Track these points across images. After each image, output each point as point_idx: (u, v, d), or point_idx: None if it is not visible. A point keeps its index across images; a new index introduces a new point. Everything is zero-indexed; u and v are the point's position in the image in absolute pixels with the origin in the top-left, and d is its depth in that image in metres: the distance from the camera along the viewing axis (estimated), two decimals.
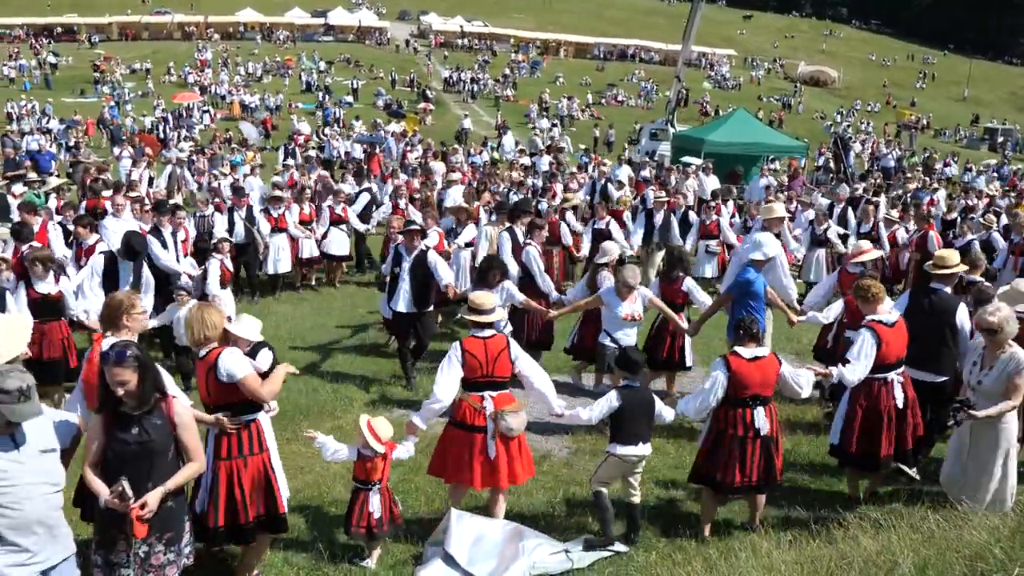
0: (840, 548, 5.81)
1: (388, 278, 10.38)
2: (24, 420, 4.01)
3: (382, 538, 6.00)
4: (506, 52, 71.28)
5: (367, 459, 5.89)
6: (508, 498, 7.07)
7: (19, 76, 52.11)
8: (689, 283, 9.28)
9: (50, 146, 28.94)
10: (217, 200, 15.84)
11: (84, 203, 14.16)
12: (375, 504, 5.88)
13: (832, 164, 29.74)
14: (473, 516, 6.10)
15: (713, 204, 15.56)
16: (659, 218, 14.91)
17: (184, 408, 4.54)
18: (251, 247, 13.97)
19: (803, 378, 6.39)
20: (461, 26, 75.58)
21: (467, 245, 12.60)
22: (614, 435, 6.25)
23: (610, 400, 6.19)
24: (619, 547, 6.22)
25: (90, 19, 68.45)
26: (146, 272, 9.83)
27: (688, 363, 9.51)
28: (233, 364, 5.17)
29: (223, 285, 10.21)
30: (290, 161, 23.96)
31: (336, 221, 15.08)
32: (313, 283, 15.44)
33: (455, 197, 16.72)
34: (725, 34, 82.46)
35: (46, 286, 8.56)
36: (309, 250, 14.88)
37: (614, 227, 13.74)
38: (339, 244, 15.22)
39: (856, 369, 6.60)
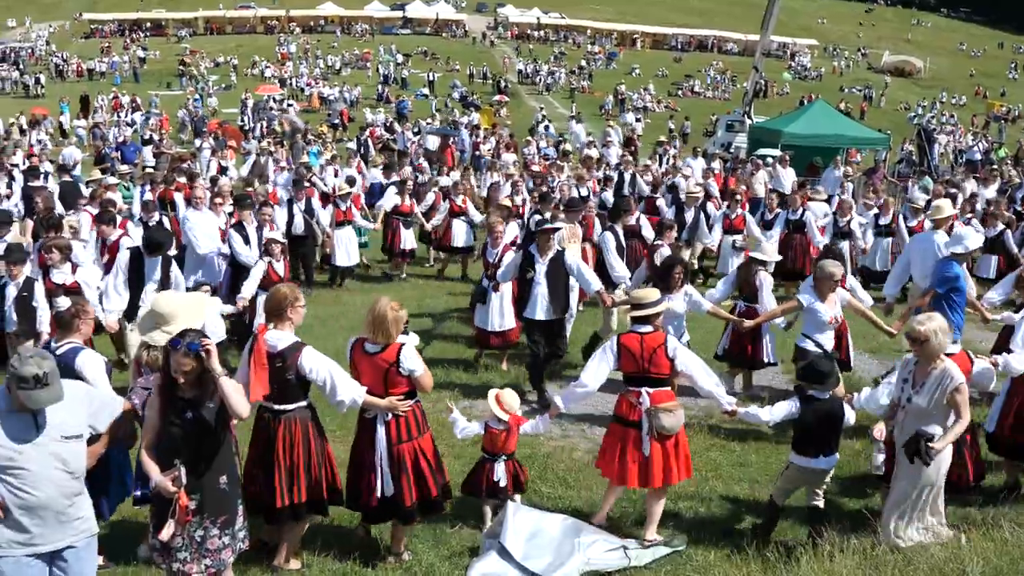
0: (907, 554, 5.67)
1: (506, 284, 9.80)
2: (42, 407, 4.05)
3: (505, 502, 6.25)
4: (582, 44, 70.96)
5: (494, 431, 6.23)
6: (567, 492, 7.09)
7: (109, 71, 53.79)
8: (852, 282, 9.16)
9: (138, 137, 29.77)
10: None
11: (150, 193, 14.44)
12: (500, 472, 6.26)
13: (915, 157, 28.91)
14: (531, 510, 6.11)
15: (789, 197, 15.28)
16: (690, 214, 14.52)
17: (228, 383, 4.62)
18: (309, 239, 14.16)
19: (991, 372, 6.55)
20: (538, 18, 75.49)
21: (511, 244, 12.13)
22: (795, 444, 6.13)
23: (791, 406, 6.11)
24: (679, 544, 6.15)
25: (178, 14, 70.33)
26: (174, 269, 9.40)
27: (770, 359, 9.44)
28: (414, 361, 5.61)
29: (265, 288, 9.41)
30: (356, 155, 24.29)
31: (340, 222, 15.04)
32: (403, 276, 15.53)
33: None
34: (805, 23, 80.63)
35: (62, 275, 8.47)
36: (408, 241, 15.19)
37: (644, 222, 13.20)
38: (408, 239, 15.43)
39: (1022, 358, 6.70)
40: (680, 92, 57.53)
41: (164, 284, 9.03)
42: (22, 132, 31.51)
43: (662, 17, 78.69)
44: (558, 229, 9.66)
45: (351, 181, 16.17)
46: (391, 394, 5.61)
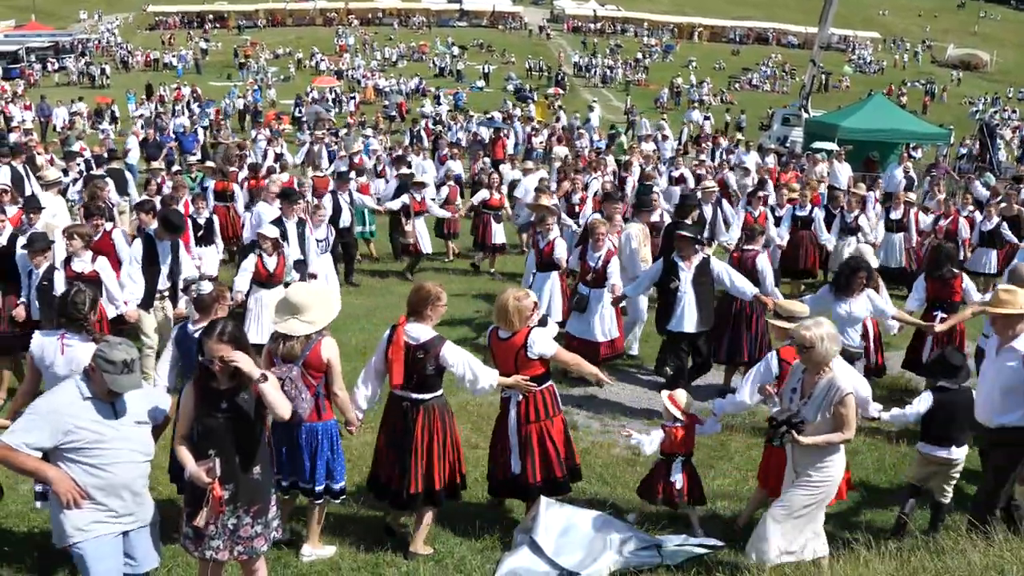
0: (946, 561, 5.55)
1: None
2: (124, 391, 4.31)
3: (684, 508, 6.36)
4: (638, 36, 70.44)
5: (670, 430, 6.28)
6: (603, 488, 7.09)
7: (175, 64, 54.65)
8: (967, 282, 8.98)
9: (193, 128, 30.30)
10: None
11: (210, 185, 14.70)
12: (676, 474, 6.25)
13: (977, 152, 28.22)
14: (563, 506, 6.09)
15: (839, 195, 14.97)
16: (707, 210, 13.75)
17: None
18: (352, 233, 14.37)
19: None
20: (594, 10, 75.09)
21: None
22: (923, 433, 6.36)
23: (926, 398, 6.29)
24: (713, 544, 6.11)
25: (239, 6, 71.41)
26: (183, 254, 9.45)
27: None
28: (543, 345, 5.94)
29: (265, 281, 9.46)
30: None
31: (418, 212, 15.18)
32: (493, 270, 15.43)
33: (528, 187, 16.27)
34: (867, 16, 78.99)
35: (82, 263, 8.51)
36: (499, 236, 15.27)
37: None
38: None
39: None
40: (737, 85, 56.83)
41: (174, 269, 9.19)
42: (93, 119, 32.37)
43: (720, 9, 77.71)
44: (699, 235, 9.07)
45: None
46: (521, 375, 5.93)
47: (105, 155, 18.02)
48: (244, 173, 15.94)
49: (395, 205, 14.86)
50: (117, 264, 9.22)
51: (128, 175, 15.60)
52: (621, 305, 9.70)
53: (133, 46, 59.38)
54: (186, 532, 4.62)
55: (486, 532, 6.23)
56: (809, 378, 5.39)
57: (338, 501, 5.85)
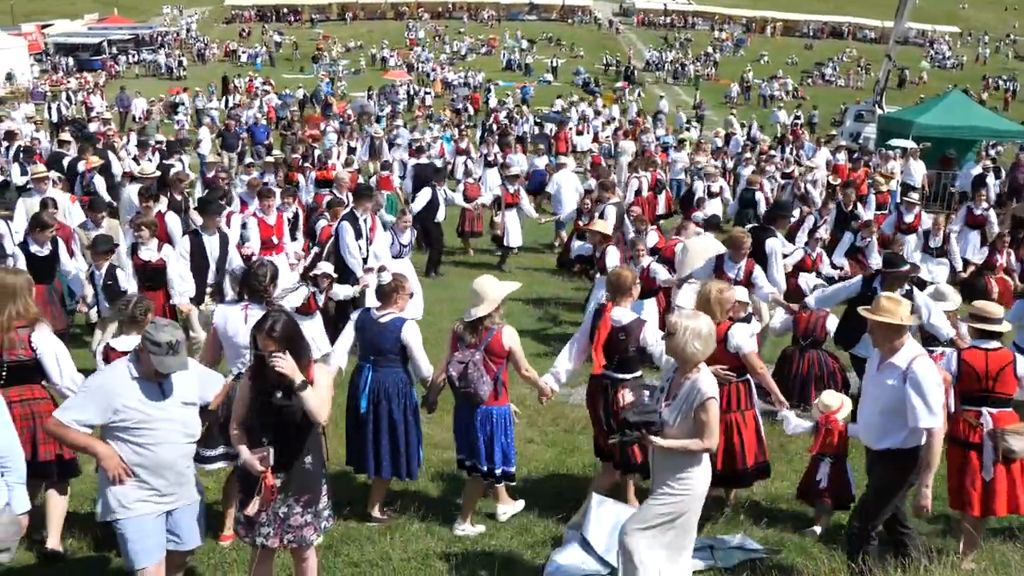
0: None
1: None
2: (170, 372, 4.43)
3: (825, 509, 6.43)
4: (710, 30, 69.56)
5: (819, 431, 6.33)
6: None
7: (250, 59, 55.58)
8: None
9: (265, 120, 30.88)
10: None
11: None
12: (822, 473, 6.34)
13: None
14: (615, 503, 6.05)
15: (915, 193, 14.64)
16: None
17: (323, 373, 4.78)
18: (440, 227, 14.48)
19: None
20: (664, 3, 74.33)
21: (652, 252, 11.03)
22: None
23: None
24: (768, 548, 6.04)
25: (313, 0, 72.38)
26: (232, 249, 9.55)
27: None
28: (741, 339, 6.20)
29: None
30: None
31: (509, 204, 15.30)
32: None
33: (560, 183, 16.33)
34: (947, 10, 76.69)
35: (149, 252, 8.71)
36: (515, 237, 15.31)
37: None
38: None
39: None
40: (810, 80, 55.75)
41: (221, 266, 9.30)
42: (171, 110, 33.20)
43: (793, 3, 76.25)
44: (910, 272, 8.61)
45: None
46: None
47: (176, 142, 18.49)
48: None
49: (487, 199, 15.13)
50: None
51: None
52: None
53: (209, 39, 60.68)
54: (238, 518, 4.73)
55: (536, 527, 6.26)
56: (677, 378, 4.95)
57: (512, 483, 6.24)
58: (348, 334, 6.37)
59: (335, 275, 9.81)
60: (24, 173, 14.61)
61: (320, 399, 4.56)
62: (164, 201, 11.28)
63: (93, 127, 25.24)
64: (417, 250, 13.52)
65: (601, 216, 12.20)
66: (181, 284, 8.88)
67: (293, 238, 11.92)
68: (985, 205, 14.15)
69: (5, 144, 17.75)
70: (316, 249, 11.13)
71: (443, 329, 6.79)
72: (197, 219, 10.11)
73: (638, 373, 6.16)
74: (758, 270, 8.99)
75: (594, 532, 5.76)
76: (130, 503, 4.43)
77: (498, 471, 5.96)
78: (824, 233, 13.28)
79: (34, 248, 8.77)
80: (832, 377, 8.80)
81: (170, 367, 4.38)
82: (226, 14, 70.82)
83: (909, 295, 7.90)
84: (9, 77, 44.06)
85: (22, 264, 8.44)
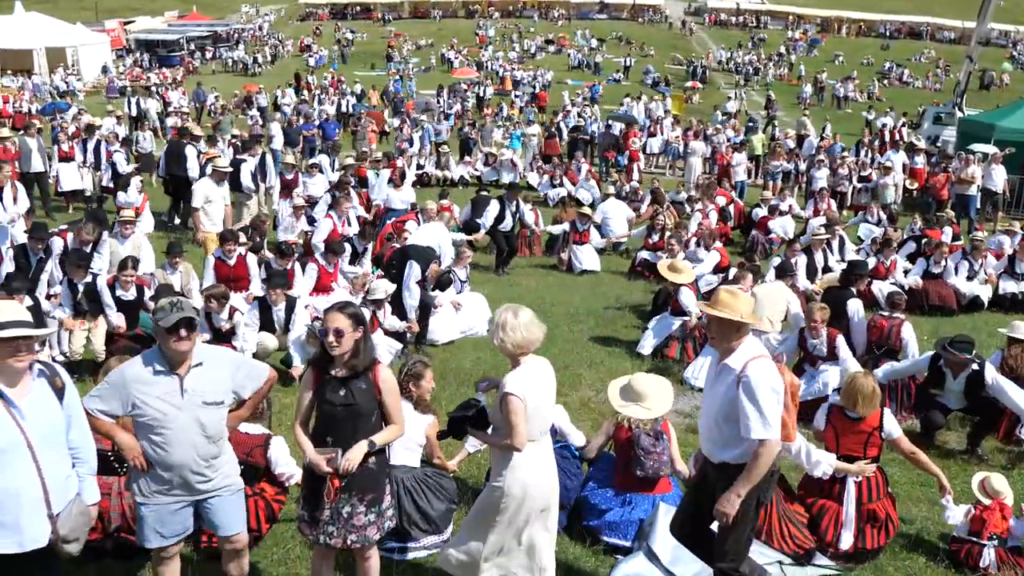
0: None
1: None
2: (184, 318, 4.36)
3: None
4: (784, 29, 68.49)
5: (979, 510, 6.15)
6: None
7: (324, 58, 56.29)
8: None
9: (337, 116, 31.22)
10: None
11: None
12: (989, 558, 5.97)
13: None
14: None
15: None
16: (817, 257, 12.88)
17: (389, 374, 4.72)
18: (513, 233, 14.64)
19: None
20: (737, 3, 73.40)
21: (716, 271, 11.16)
22: None
23: None
24: (839, 567, 5.93)
25: None
26: (299, 309, 9.38)
27: None
28: (895, 427, 6.14)
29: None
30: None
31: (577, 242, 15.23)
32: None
33: (608, 214, 16.28)
34: None
35: (220, 321, 8.87)
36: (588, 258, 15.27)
37: None
38: None
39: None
40: (886, 82, 54.47)
41: (286, 329, 9.25)
42: (244, 105, 33.85)
43: (869, 3, 74.65)
44: (970, 350, 8.02)
45: None
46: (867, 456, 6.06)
47: (249, 138, 18.84)
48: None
49: (555, 230, 15.42)
50: (249, 284, 10.32)
51: (270, 160, 16.27)
52: None
53: (284, 36, 61.69)
54: (301, 515, 4.71)
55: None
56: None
57: None
58: None
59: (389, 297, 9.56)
60: (129, 161, 16.33)
61: (391, 429, 4.70)
62: (244, 240, 11.32)
63: (171, 121, 25.89)
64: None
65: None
66: (243, 343, 8.87)
67: (362, 238, 11.95)
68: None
69: (84, 137, 18.14)
70: (379, 272, 11.28)
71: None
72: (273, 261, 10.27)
73: None
74: (840, 341, 8.62)
75: (660, 543, 5.66)
76: (148, 493, 4.55)
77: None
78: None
79: (119, 292, 9.18)
80: (906, 389, 8.66)
81: (182, 316, 4.34)
82: (300, 11, 72.03)
83: (979, 375, 7.72)
84: (104, 70, 46.02)
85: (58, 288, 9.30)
